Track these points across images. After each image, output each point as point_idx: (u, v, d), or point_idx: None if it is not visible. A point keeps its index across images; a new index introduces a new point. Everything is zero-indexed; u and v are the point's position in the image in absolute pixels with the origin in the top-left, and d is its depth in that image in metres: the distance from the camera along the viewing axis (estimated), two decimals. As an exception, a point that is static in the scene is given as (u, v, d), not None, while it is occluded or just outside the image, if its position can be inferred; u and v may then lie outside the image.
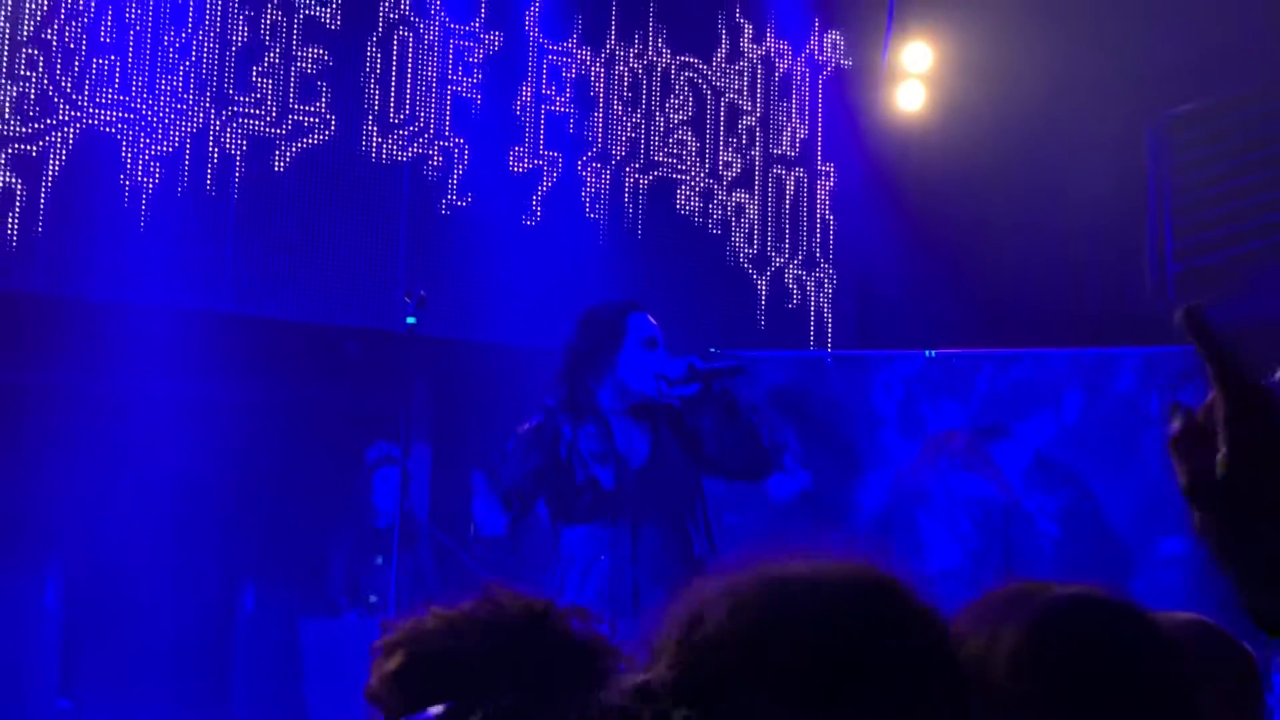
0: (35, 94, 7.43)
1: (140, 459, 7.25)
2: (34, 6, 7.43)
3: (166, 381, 7.42)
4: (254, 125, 7.88)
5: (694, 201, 8.85)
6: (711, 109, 8.97)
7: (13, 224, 7.35)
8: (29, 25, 7.42)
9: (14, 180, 7.37)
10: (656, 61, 8.86)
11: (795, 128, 9.15)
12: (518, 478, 5.53)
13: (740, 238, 8.94)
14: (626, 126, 8.74)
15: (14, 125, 7.39)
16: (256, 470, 7.52)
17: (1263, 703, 2.27)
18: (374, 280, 7.90)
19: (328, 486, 7.74)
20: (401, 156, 8.17)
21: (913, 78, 8.74)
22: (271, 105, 7.92)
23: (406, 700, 1.94)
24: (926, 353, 7.71)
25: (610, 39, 8.75)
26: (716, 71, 8.99)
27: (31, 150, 7.42)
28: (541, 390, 5.82)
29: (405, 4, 8.24)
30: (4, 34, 7.39)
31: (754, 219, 8.98)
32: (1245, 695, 2.24)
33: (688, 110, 8.91)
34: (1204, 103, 8.36)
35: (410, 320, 6.24)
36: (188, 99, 7.75)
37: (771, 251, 8.99)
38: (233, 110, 7.84)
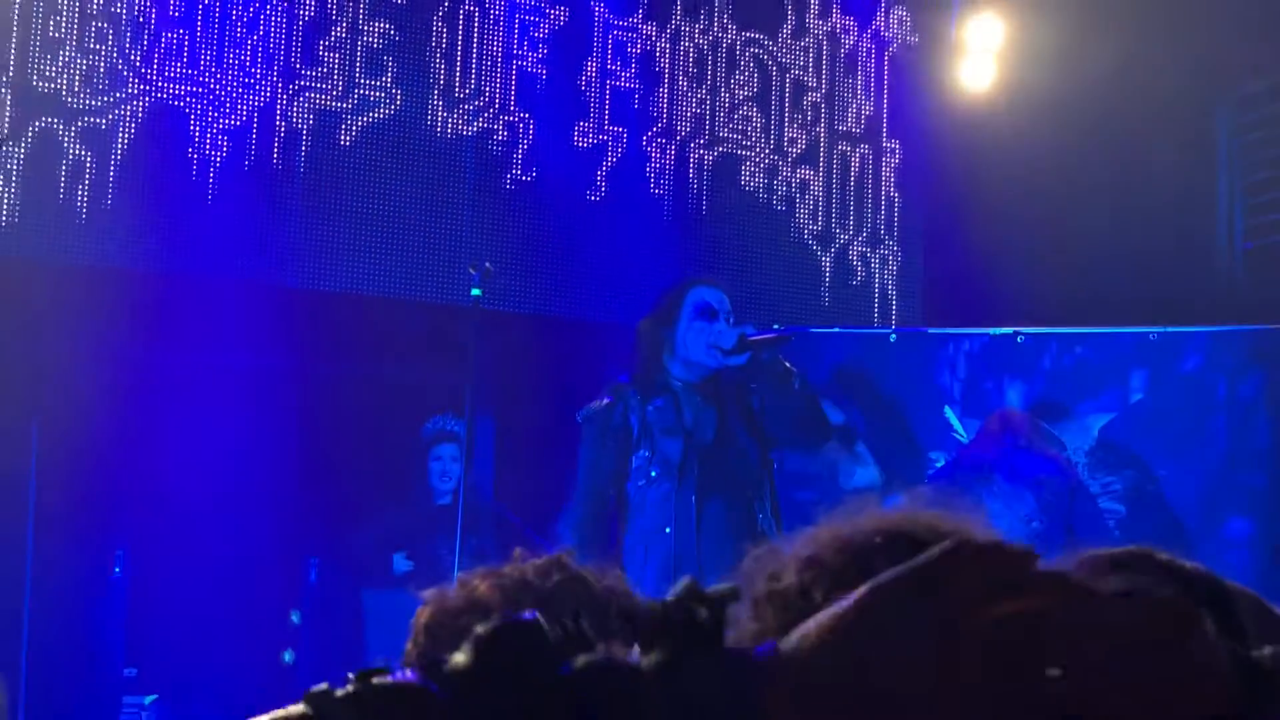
0: (105, 67, 7.49)
1: (204, 432, 7.31)
2: (104, -20, 7.48)
3: (230, 354, 7.47)
4: (320, 99, 7.92)
5: (758, 178, 8.83)
6: (777, 85, 8.94)
7: (82, 196, 7.41)
8: (99, -1, 7.48)
9: (84, 153, 7.43)
10: (722, 37, 8.83)
11: (861, 104, 9.11)
12: (595, 473, 5.63)
13: (805, 214, 8.91)
14: (691, 102, 8.72)
15: (84, 98, 7.45)
16: (320, 443, 7.56)
17: None
18: (438, 254, 7.93)
19: (391, 460, 7.78)
20: (467, 131, 8.18)
21: (980, 54, 8.68)
22: (338, 79, 7.95)
23: (429, 649, 1.97)
24: (990, 331, 7.67)
25: (676, 14, 8.73)
26: (782, 47, 8.96)
27: (101, 123, 7.47)
28: (606, 364, 5.89)
29: (471, -21, 8.24)
30: (74, 7, 7.44)
31: (818, 195, 8.96)
32: None
33: (753, 86, 8.88)
34: (1274, 80, 8.28)
35: (475, 293, 6.26)
36: (255, 73, 7.79)
37: (836, 228, 8.96)
38: (299, 84, 7.88)
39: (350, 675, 1.04)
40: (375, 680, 1.03)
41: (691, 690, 0.97)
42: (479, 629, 1.03)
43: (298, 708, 1.03)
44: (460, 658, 1.02)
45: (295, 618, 7.64)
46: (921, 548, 1.03)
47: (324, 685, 1.04)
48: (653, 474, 5.60)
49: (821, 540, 1.26)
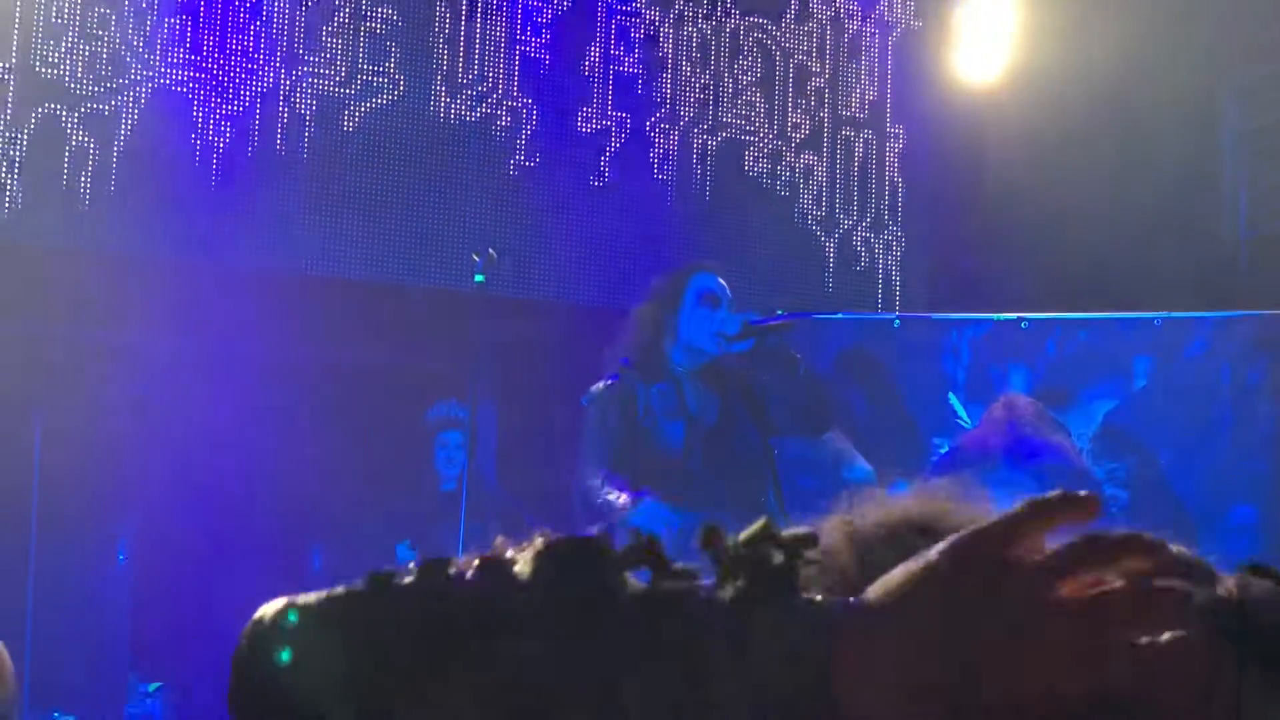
0: (108, 53, 7.48)
1: (207, 419, 7.30)
2: (106, -34, 7.47)
3: (233, 341, 7.47)
4: (324, 85, 7.91)
5: (762, 163, 8.82)
6: (780, 70, 8.92)
7: (86, 183, 7.41)
8: (101, -15, 7.47)
9: (87, 139, 7.43)
10: (725, 22, 8.81)
11: (864, 89, 9.08)
12: (604, 448, 5.64)
13: (808, 200, 8.90)
14: (695, 87, 8.71)
15: (86, 84, 7.45)
16: (323, 429, 7.56)
17: None
18: (442, 240, 7.92)
19: (395, 446, 7.77)
20: (470, 116, 8.17)
21: (985, 39, 8.66)
22: (341, 65, 7.94)
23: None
24: (994, 317, 7.66)
25: (679, -1, 8.72)
26: (785, 32, 8.94)
27: (104, 109, 7.47)
28: (610, 350, 5.90)
29: (474, -36, 8.23)
30: (77, -7, 7.44)
31: (822, 181, 8.94)
32: None
33: (756, 71, 8.86)
34: (1280, 66, 8.26)
35: (479, 279, 6.26)
36: (258, 58, 7.78)
37: (840, 213, 8.95)
38: (303, 70, 7.87)
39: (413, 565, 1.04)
40: (437, 568, 1.02)
41: (767, 625, 0.96)
42: (539, 541, 1.02)
43: (356, 585, 1.03)
44: (521, 566, 1.01)
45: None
46: (929, 536, 1.03)
47: (388, 569, 1.03)
48: (657, 458, 5.62)
49: (825, 532, 1.26)
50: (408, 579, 1.01)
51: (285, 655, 1.00)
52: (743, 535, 1.00)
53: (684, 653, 0.95)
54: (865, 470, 6.38)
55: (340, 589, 1.01)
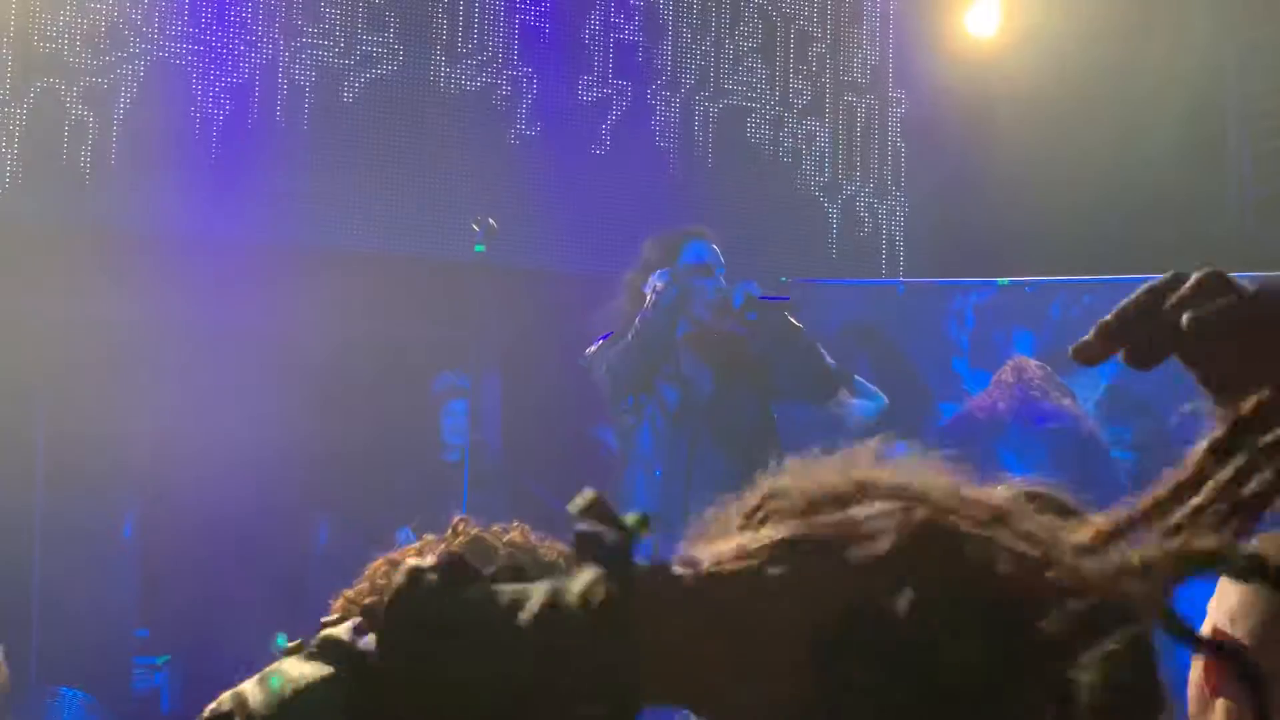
0: (105, 26, 7.45)
1: (211, 392, 7.29)
2: (103, -62, 7.44)
3: (236, 314, 7.45)
4: (323, 56, 7.88)
5: (764, 129, 8.79)
6: (781, 36, 8.88)
7: (85, 157, 7.38)
8: (98, -43, 7.43)
9: (86, 113, 7.40)
10: (726, -12, 8.78)
11: (866, 54, 9.05)
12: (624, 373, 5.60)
13: (811, 166, 8.87)
14: (696, 54, 8.67)
15: (85, 58, 7.41)
16: (326, 401, 7.54)
17: None
18: (443, 210, 7.90)
19: (399, 418, 7.76)
20: (470, 86, 8.14)
21: (986, 1, 8.61)
22: (340, 36, 7.91)
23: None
24: (999, 281, 7.64)
25: (679, -34, 8.68)
26: (787, -2, 8.90)
27: (103, 83, 7.44)
28: (598, 316, 5.87)
29: (473, -68, 8.19)
30: (73, -34, 7.40)
31: (825, 147, 8.91)
32: None
33: (757, 37, 8.82)
34: (1285, 25, 8.21)
35: (479, 249, 6.24)
36: (256, 30, 7.74)
37: (842, 179, 8.92)
38: (301, 41, 7.84)
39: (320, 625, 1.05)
40: (327, 634, 1.04)
41: (564, 606, 0.96)
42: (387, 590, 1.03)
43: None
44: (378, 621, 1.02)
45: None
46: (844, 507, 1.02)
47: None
48: (652, 418, 5.59)
49: (797, 473, 1.23)
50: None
51: None
52: (573, 505, 1.00)
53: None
54: (870, 408, 6.34)
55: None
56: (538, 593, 0.96)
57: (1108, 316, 1.26)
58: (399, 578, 1.00)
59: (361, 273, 7.65)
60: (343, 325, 7.73)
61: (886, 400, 6.42)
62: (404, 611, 0.98)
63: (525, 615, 0.95)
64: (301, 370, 7.50)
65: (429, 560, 1.00)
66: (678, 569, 0.99)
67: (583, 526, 0.98)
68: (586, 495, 0.99)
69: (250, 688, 1.04)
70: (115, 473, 7.41)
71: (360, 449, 7.63)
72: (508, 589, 0.98)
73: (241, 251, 7.50)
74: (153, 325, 7.42)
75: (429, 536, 2.15)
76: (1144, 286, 1.26)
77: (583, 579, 0.95)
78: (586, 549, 0.97)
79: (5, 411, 6.95)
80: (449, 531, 2.11)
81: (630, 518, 0.99)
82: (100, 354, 7.20)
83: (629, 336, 5.60)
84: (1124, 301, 1.21)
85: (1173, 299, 1.24)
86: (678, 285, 5.61)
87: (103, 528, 7.41)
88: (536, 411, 7.78)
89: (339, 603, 1.95)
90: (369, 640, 1.03)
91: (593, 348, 5.77)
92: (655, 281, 5.64)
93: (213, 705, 1.06)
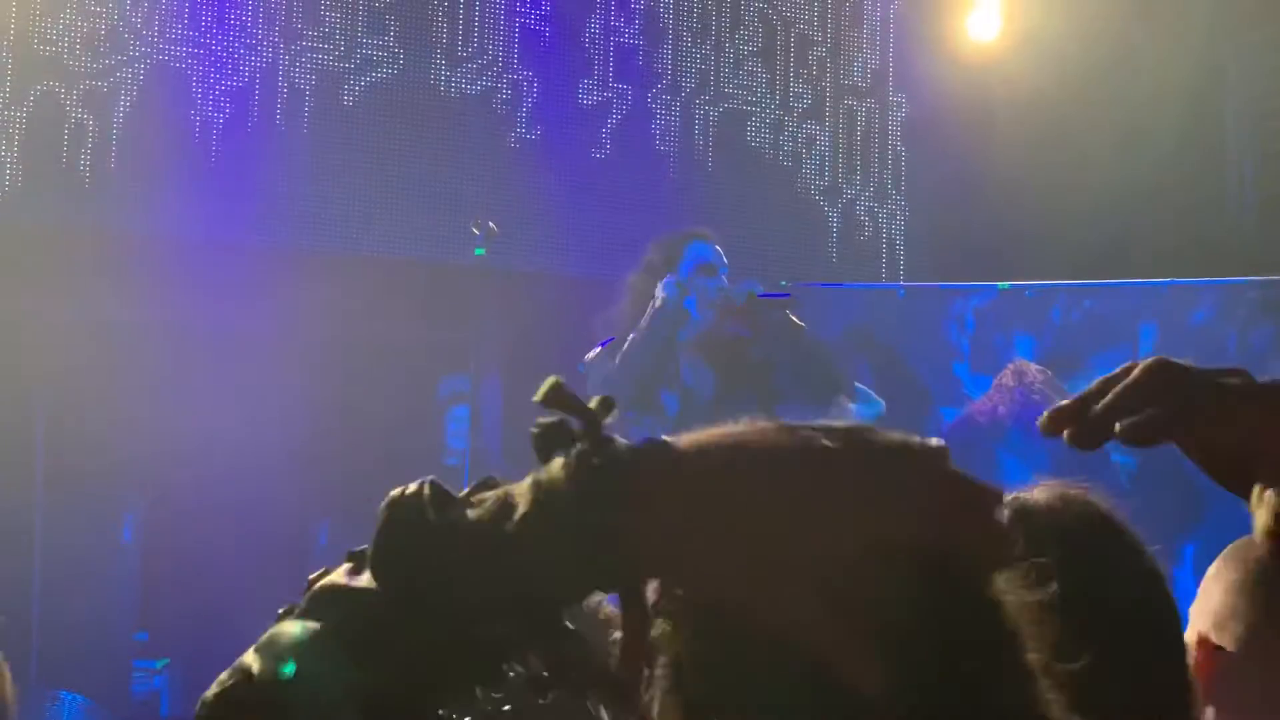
0: (105, 30, 7.45)
1: (211, 395, 7.29)
2: (103, -58, 7.44)
3: (236, 317, 7.45)
4: (323, 59, 7.87)
5: (764, 133, 8.79)
6: (782, 39, 8.88)
7: (85, 160, 7.38)
8: (98, -39, 7.43)
9: (86, 116, 7.40)
10: (726, -8, 8.78)
11: (866, 57, 9.05)
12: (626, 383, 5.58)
13: (811, 170, 8.87)
14: (696, 58, 8.67)
15: (85, 61, 7.41)
16: (327, 404, 7.54)
17: None
18: (443, 214, 7.89)
19: (399, 422, 7.76)
20: (470, 90, 8.14)
21: (987, 4, 8.61)
22: (340, 39, 7.91)
23: None
24: (999, 285, 7.64)
25: (679, -31, 8.68)
26: (786, 1, 8.90)
27: (103, 86, 7.44)
28: (600, 319, 5.85)
29: (473, -64, 8.19)
30: (73, -30, 7.40)
31: (825, 150, 8.91)
32: None
33: (757, 41, 8.82)
34: (1285, 28, 8.21)
35: (479, 251, 6.24)
36: (256, 33, 7.74)
37: (843, 183, 8.92)
38: (301, 44, 7.84)
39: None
40: (319, 585, 1.04)
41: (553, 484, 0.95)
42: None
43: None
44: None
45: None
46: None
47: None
48: (650, 427, 5.57)
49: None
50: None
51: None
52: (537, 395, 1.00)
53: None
54: (872, 412, 6.34)
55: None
56: (521, 488, 0.96)
57: (1066, 401, 1.31)
58: (383, 506, 1.00)
59: (361, 276, 7.65)
60: (342, 328, 7.72)
61: (884, 406, 6.42)
62: (394, 532, 0.98)
63: (518, 507, 0.95)
64: (301, 373, 7.50)
65: (411, 487, 1.01)
66: (665, 438, 0.98)
67: (548, 417, 0.98)
68: (547, 382, 0.99)
69: (251, 657, 1.04)
70: (115, 475, 7.40)
71: (361, 452, 7.62)
72: (489, 494, 0.99)
73: (241, 254, 7.50)
74: (153, 328, 7.42)
75: None
76: (1098, 380, 1.32)
77: (560, 459, 0.95)
78: (557, 434, 0.96)
79: (5, 414, 6.94)
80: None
81: (593, 400, 0.99)
82: (100, 357, 7.19)
83: (627, 349, 5.58)
84: (1084, 389, 1.29)
85: (1115, 391, 1.30)
86: (681, 293, 5.60)
87: (102, 530, 7.39)
88: (538, 416, 7.77)
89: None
90: (363, 579, 1.02)
91: (592, 354, 5.75)
92: (660, 292, 5.62)
93: (216, 683, 1.05)
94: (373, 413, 7.70)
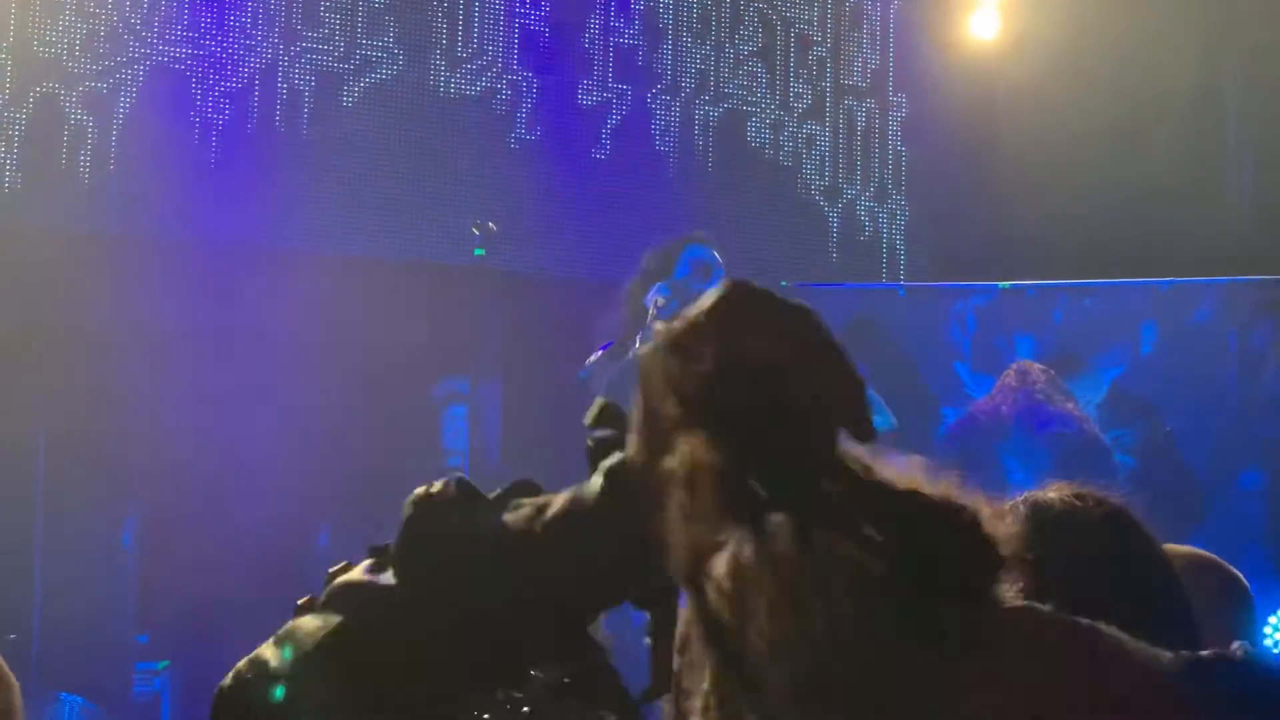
0: (105, 31, 7.44)
1: (211, 398, 7.28)
2: (102, -57, 7.43)
3: (235, 319, 7.44)
4: (322, 60, 7.87)
5: (764, 133, 8.78)
6: (781, 40, 8.88)
7: (84, 162, 7.37)
8: (97, -38, 7.43)
9: (85, 118, 7.39)
10: (726, -8, 8.77)
11: (866, 57, 9.04)
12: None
13: (811, 170, 8.86)
14: (696, 58, 8.66)
15: (84, 63, 7.40)
16: (326, 406, 7.54)
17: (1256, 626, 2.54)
18: (442, 214, 7.89)
19: (399, 423, 7.75)
20: (470, 90, 8.13)
21: (987, 4, 8.61)
22: (339, 40, 7.90)
23: None
24: (1000, 284, 7.63)
25: (679, -31, 8.67)
26: (786, 1, 8.89)
27: (102, 88, 7.43)
28: (600, 324, 5.86)
29: (472, -64, 8.18)
30: (73, -29, 7.40)
31: (825, 150, 8.90)
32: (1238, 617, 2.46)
33: (757, 41, 8.82)
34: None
35: (478, 252, 6.24)
36: (256, 35, 7.74)
37: (843, 183, 8.91)
38: (301, 46, 7.83)
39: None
40: (339, 580, 1.04)
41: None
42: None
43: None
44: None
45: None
46: None
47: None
48: None
49: None
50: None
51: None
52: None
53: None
54: (883, 424, 6.34)
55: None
56: (559, 497, 0.96)
57: None
58: (408, 504, 1.00)
59: (361, 277, 7.64)
60: (342, 329, 7.71)
61: (894, 421, 6.40)
62: (420, 529, 0.98)
63: (555, 515, 0.95)
64: (301, 375, 7.49)
65: (436, 485, 1.01)
66: None
67: (597, 433, 0.98)
68: (598, 403, 0.99)
69: (268, 649, 1.03)
70: (115, 478, 7.39)
71: (360, 454, 7.61)
72: (525, 501, 0.99)
73: (241, 256, 7.49)
74: (152, 330, 7.41)
75: None
76: None
77: (602, 474, 0.95)
78: (608, 449, 0.97)
79: (5, 417, 6.94)
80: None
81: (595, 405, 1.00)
82: (100, 359, 7.19)
83: (628, 355, 5.59)
84: None
85: None
86: (677, 299, 5.60)
87: (103, 533, 7.39)
88: (537, 417, 7.76)
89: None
90: (385, 576, 1.02)
91: (593, 358, 5.76)
92: (655, 296, 5.63)
93: (232, 673, 1.05)
94: (372, 414, 7.69)
